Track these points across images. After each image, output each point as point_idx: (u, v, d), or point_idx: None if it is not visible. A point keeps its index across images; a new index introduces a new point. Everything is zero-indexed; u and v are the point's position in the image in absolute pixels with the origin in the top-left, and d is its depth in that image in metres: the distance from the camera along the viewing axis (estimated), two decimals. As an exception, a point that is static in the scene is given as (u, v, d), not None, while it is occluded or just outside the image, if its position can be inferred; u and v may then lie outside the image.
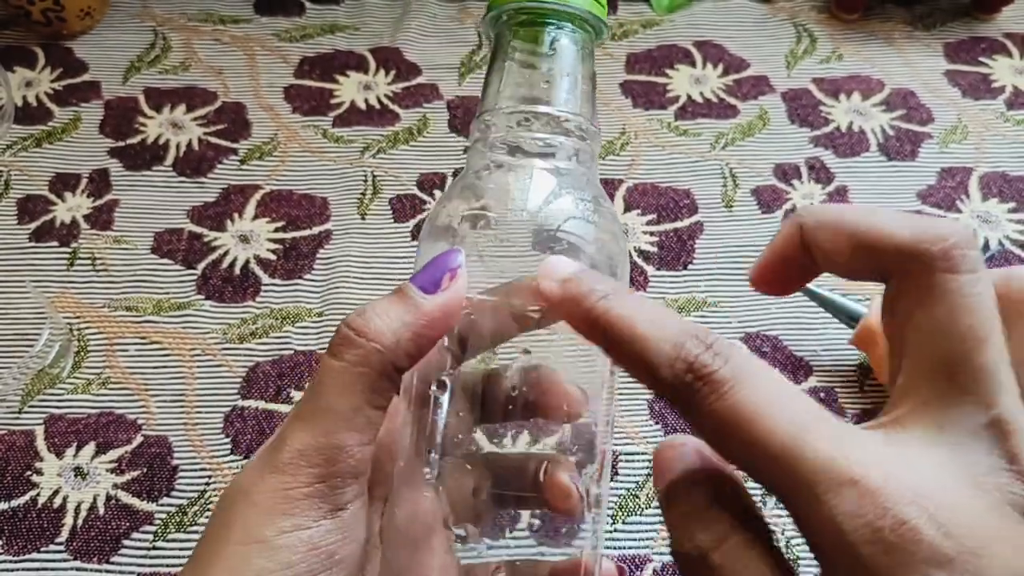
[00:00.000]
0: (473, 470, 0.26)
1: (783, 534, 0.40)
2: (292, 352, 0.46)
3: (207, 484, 0.42)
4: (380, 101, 0.59)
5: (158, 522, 0.40)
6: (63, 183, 0.53)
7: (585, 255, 0.24)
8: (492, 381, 0.26)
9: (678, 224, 0.52)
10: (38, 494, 0.41)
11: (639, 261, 0.50)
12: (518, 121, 0.26)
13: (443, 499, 0.25)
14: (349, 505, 0.23)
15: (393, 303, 0.23)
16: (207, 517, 0.26)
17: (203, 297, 0.48)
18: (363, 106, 0.58)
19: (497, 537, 0.26)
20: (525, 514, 0.26)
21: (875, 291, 0.49)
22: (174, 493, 0.41)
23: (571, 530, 0.25)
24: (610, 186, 0.54)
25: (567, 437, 0.26)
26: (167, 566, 0.39)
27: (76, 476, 0.42)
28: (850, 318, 0.44)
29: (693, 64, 0.62)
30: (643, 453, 0.43)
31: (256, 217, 0.52)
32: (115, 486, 0.42)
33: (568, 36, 0.26)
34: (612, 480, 0.42)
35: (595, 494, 0.25)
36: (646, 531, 0.41)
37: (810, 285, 0.45)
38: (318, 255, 0.50)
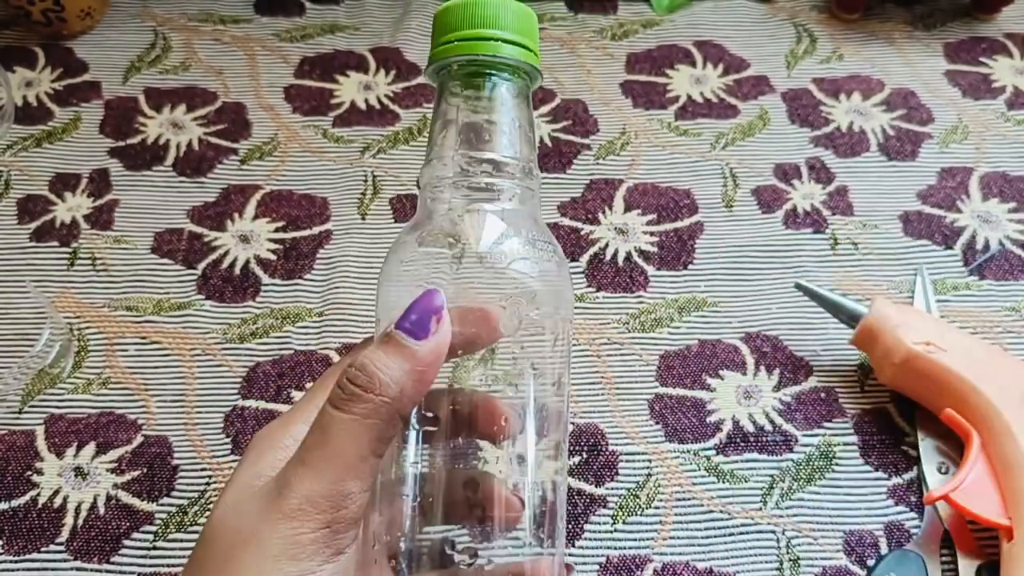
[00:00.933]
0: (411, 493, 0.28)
1: (783, 534, 0.40)
2: (292, 352, 0.46)
3: (207, 484, 0.42)
4: (380, 101, 0.59)
5: (158, 522, 0.40)
6: (63, 183, 0.53)
7: (532, 292, 0.27)
8: (434, 403, 0.28)
9: (678, 224, 0.52)
10: (38, 494, 0.41)
11: (639, 261, 0.50)
12: (464, 167, 0.28)
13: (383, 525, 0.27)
14: (347, 549, 0.24)
15: (390, 354, 0.25)
16: (207, 517, 0.26)
17: (203, 297, 0.48)
18: (363, 106, 0.58)
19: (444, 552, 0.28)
20: (467, 527, 0.28)
21: (876, 291, 0.49)
22: (174, 493, 0.41)
23: (511, 538, 0.27)
24: (610, 186, 0.54)
25: (504, 454, 0.28)
26: (167, 566, 0.39)
27: (76, 476, 0.42)
28: (850, 318, 0.44)
29: (693, 64, 0.62)
30: (643, 453, 0.43)
31: (256, 217, 0.52)
32: (115, 486, 0.42)
33: (507, 85, 0.28)
34: (613, 480, 0.42)
35: (538, 502, 0.27)
36: (646, 531, 0.41)
37: (810, 285, 0.45)
38: (318, 255, 0.50)
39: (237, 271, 0.49)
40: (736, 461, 0.43)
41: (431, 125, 0.29)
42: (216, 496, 0.38)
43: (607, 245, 0.51)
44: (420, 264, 0.27)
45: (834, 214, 0.53)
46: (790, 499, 0.42)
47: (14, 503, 0.41)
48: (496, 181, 0.28)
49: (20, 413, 0.44)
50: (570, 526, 0.41)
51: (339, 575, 0.24)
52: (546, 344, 0.29)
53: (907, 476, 0.42)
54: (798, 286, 0.46)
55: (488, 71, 0.28)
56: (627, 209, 0.53)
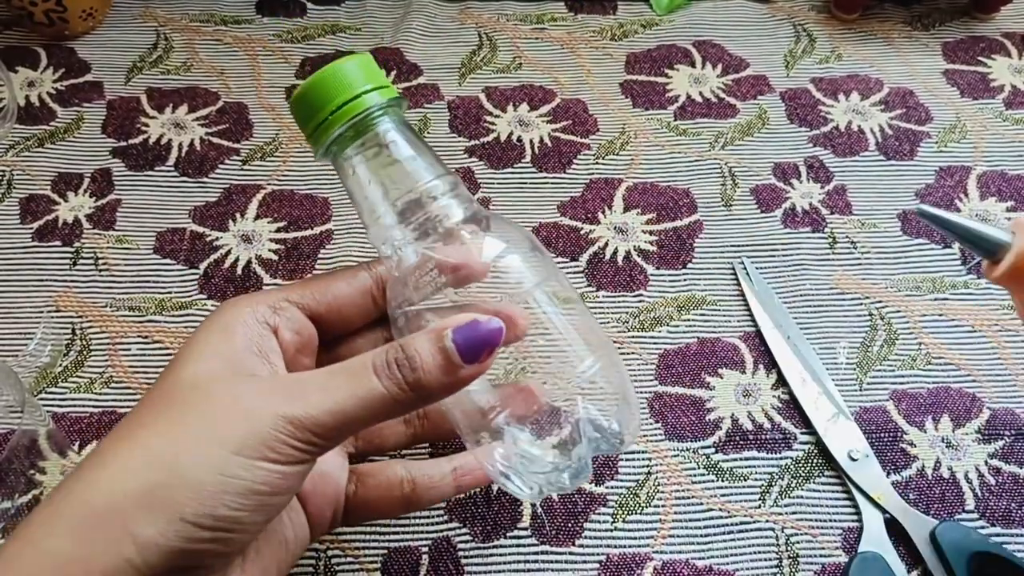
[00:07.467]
0: None
1: (783, 531, 0.41)
2: (294, 351, 0.47)
3: (210, 482, 0.42)
4: (381, 101, 0.59)
5: (161, 520, 0.41)
6: (65, 183, 0.54)
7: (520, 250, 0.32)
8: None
9: (677, 223, 0.52)
10: (41, 493, 0.41)
11: (639, 260, 0.51)
12: (403, 208, 0.31)
13: None
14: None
15: (436, 361, 0.27)
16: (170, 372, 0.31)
17: (205, 297, 0.49)
18: (364, 106, 0.58)
19: None
20: None
21: (874, 290, 0.49)
22: (177, 491, 0.42)
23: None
24: (610, 185, 0.54)
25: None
26: (170, 564, 0.40)
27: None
28: (989, 251, 0.35)
29: (692, 64, 0.62)
30: (643, 452, 0.43)
31: (258, 217, 0.52)
32: (118, 484, 0.42)
33: (389, 123, 0.32)
34: (613, 479, 0.42)
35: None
36: (646, 529, 0.41)
37: (935, 210, 0.36)
38: (319, 255, 0.51)
39: (239, 271, 0.50)
40: (735, 459, 0.43)
41: (352, 196, 0.32)
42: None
43: (607, 244, 0.51)
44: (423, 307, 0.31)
45: (832, 213, 0.53)
46: (789, 497, 0.42)
47: (16, 502, 0.41)
48: (442, 204, 0.31)
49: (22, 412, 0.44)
50: (570, 525, 0.41)
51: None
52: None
53: (905, 473, 0.43)
54: (920, 211, 0.36)
55: (371, 124, 0.31)
56: (626, 208, 0.53)
